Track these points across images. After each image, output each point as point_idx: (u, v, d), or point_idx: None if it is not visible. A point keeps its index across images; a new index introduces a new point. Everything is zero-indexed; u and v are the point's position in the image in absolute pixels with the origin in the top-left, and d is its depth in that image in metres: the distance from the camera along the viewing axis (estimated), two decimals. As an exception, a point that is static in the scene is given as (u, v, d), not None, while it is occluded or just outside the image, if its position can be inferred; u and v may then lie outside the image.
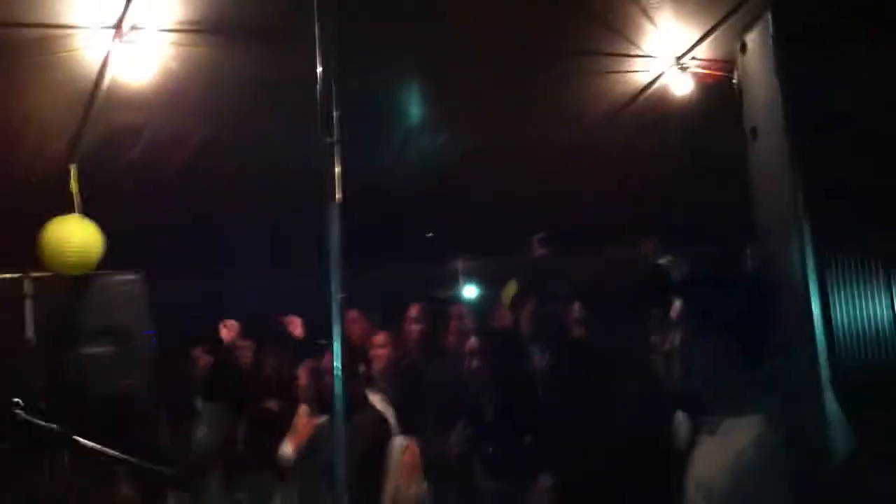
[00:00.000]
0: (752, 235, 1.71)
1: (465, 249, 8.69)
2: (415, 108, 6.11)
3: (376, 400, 5.65)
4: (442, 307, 6.34)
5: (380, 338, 6.17)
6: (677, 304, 2.95)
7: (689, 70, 5.87)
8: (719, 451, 2.46)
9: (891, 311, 1.41)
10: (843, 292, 1.43)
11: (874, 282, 1.42)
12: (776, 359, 1.65)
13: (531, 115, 6.23)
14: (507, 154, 6.72)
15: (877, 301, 1.41)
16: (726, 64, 5.23)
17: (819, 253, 1.44)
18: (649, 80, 6.04)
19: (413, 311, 6.03)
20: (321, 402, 5.35)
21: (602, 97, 6.25)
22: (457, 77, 5.66)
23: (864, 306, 1.42)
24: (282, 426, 5.66)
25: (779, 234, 1.51)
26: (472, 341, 5.12)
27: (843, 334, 1.44)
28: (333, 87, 3.34)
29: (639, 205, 7.23)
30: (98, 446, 3.48)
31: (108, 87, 5.27)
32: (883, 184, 1.43)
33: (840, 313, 1.43)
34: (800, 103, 1.49)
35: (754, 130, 1.61)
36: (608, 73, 5.94)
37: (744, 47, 1.69)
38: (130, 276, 6.27)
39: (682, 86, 5.94)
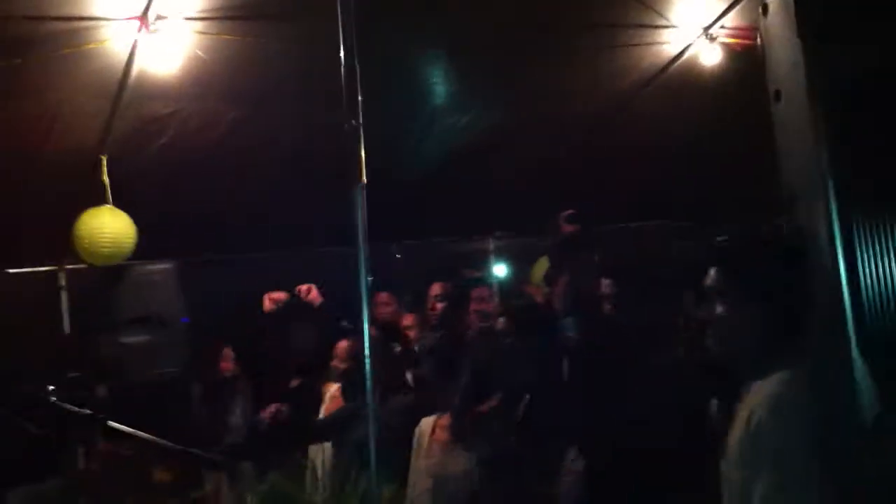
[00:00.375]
0: (782, 205, 1.68)
1: (495, 227, 8.70)
2: (439, 86, 6.09)
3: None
4: (469, 286, 6.35)
5: (409, 319, 6.20)
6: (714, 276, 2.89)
7: (717, 40, 5.80)
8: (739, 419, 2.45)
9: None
10: (870, 255, 1.41)
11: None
12: (807, 325, 1.63)
13: (558, 90, 6.19)
14: (535, 130, 6.69)
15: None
16: (754, 31, 5.16)
17: (844, 216, 1.42)
18: (677, 51, 5.97)
19: (435, 289, 6.07)
20: (354, 383, 5.38)
21: (630, 70, 6.20)
22: (482, 53, 5.63)
23: (892, 269, 1.40)
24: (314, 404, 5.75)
25: (804, 198, 1.48)
26: (502, 320, 5.12)
27: (871, 298, 1.41)
28: (357, 70, 3.33)
29: (667, 179, 7.16)
30: (132, 430, 3.51)
31: (136, 78, 5.31)
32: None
33: (867, 276, 1.41)
34: (822, 62, 1.46)
35: (778, 93, 1.58)
36: (636, 45, 5.89)
37: (765, 9, 1.66)
38: (164, 265, 6.33)
39: (710, 56, 5.88)
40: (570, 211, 5.89)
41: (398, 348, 5.66)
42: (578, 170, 7.11)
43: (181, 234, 6.63)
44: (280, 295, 6.23)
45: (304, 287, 6.69)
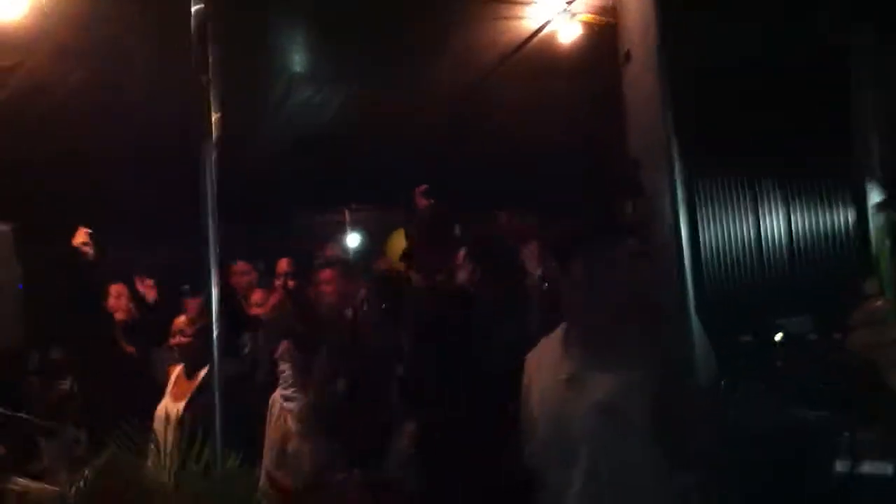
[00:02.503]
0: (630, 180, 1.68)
1: (351, 200, 8.65)
2: (298, 54, 5.98)
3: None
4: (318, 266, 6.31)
5: (257, 295, 6.11)
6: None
7: (576, 17, 5.87)
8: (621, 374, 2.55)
9: (756, 234, 1.40)
10: (711, 217, 1.42)
11: (741, 206, 1.42)
12: (649, 288, 1.65)
13: (419, 62, 6.17)
14: (394, 101, 6.64)
15: (743, 225, 1.40)
16: (612, 9, 5.27)
17: (687, 176, 1.43)
18: (537, 26, 6.02)
19: (283, 265, 6.00)
20: (196, 357, 5.27)
21: (490, 45, 6.21)
22: (343, 22, 5.54)
23: (731, 230, 1.42)
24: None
25: (649, 158, 1.49)
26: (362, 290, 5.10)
27: (711, 260, 1.43)
28: (209, 26, 3.20)
29: (524, 154, 7.25)
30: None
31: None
32: (752, 104, 1.43)
33: (708, 238, 1.42)
34: (672, 24, 1.47)
35: (628, 54, 1.58)
36: (496, 19, 5.90)
37: (619, -28, 1.66)
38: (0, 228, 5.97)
39: (569, 33, 5.95)
40: (424, 186, 5.92)
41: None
42: (435, 143, 7.12)
43: (19, 198, 6.29)
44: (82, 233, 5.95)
45: (144, 282, 6.53)
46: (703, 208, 1.32)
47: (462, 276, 4.35)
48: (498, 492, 3.33)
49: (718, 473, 1.51)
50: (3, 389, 5.46)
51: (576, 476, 2.60)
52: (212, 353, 3.11)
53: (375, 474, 3.91)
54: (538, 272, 4.35)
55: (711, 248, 1.31)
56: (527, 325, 4.37)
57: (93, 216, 6.35)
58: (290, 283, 5.97)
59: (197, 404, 4.95)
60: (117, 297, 6.55)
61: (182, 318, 5.78)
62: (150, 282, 6.84)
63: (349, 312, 5.47)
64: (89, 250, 5.86)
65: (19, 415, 3.61)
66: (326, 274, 6.05)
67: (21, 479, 3.70)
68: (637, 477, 2.39)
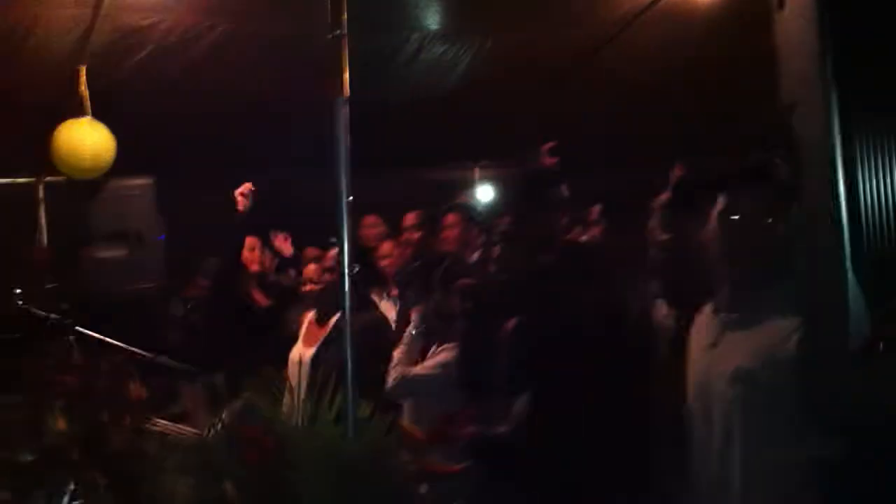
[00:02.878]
0: (780, 131, 1.61)
1: (480, 157, 8.64)
2: (428, 10, 5.96)
3: (385, 306, 5.70)
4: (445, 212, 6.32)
5: (386, 246, 6.17)
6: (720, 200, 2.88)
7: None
8: (756, 342, 2.49)
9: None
10: (870, 170, 1.35)
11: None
12: (799, 242, 1.58)
13: (547, 19, 6.06)
14: (523, 59, 6.57)
15: (906, 180, 1.32)
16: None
17: (846, 128, 1.35)
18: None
19: (409, 219, 6.04)
20: (326, 303, 5.40)
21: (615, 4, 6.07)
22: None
23: (892, 186, 1.34)
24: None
25: (804, 107, 1.42)
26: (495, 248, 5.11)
27: (870, 216, 1.36)
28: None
29: (665, 112, 7.08)
30: (102, 337, 3.46)
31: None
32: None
33: (867, 193, 1.35)
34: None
35: (781, 2, 1.51)
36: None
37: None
38: (142, 181, 6.22)
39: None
40: (551, 143, 5.84)
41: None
42: (565, 101, 7.02)
43: (161, 151, 6.53)
44: (247, 186, 6.11)
45: (279, 236, 6.69)
46: (862, 162, 1.25)
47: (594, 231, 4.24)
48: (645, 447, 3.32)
49: (865, 447, 1.44)
50: (146, 333, 5.72)
51: (715, 442, 2.58)
52: (343, 303, 3.18)
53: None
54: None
55: (870, 203, 1.24)
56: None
57: (230, 171, 6.57)
58: (415, 236, 6.04)
59: (327, 350, 5.09)
60: (251, 250, 6.76)
61: (312, 266, 5.92)
62: (284, 236, 7.04)
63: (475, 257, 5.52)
64: (246, 202, 6.06)
65: (161, 357, 3.75)
66: (450, 218, 6.12)
67: (162, 421, 3.86)
68: (776, 446, 2.34)
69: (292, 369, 5.17)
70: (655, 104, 6.99)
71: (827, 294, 1.39)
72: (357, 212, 3.44)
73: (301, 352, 5.41)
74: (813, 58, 1.38)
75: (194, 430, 3.50)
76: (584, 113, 7.14)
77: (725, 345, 2.71)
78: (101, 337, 3.38)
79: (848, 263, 1.35)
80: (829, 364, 1.45)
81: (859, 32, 1.39)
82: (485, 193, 8.77)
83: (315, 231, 6.02)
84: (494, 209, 7.67)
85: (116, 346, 3.70)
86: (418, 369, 4.68)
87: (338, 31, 3.18)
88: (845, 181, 1.34)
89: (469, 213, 6.32)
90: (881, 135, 1.33)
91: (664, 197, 3.69)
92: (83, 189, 6.20)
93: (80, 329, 3.32)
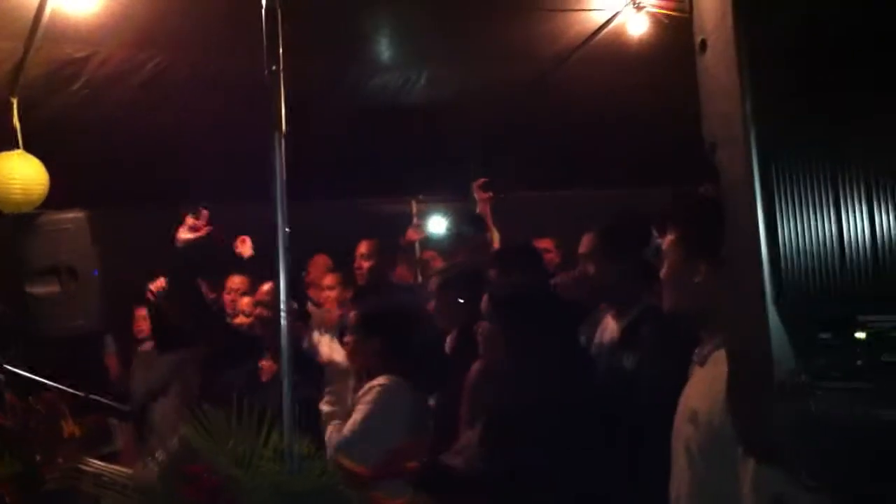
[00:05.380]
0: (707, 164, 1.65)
1: (419, 190, 8.69)
2: (366, 43, 6.00)
3: (323, 341, 5.66)
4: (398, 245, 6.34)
5: (329, 279, 6.15)
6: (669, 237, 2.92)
7: (644, 9, 5.80)
8: (712, 381, 2.52)
9: (838, 228, 1.37)
10: (789, 206, 1.39)
11: (821, 197, 1.39)
12: (726, 278, 1.62)
13: (484, 54, 6.15)
14: (460, 92, 6.65)
15: (823, 216, 1.37)
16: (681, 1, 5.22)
17: (765, 166, 1.40)
18: (605, 19, 5.96)
19: (363, 247, 6.02)
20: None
21: (558, 37, 6.17)
22: (409, 11, 5.55)
23: (810, 221, 1.39)
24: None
25: (726, 147, 1.46)
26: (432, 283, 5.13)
27: (789, 250, 1.40)
28: (279, 13, 3.23)
29: (594, 146, 7.22)
30: (34, 377, 3.39)
31: (50, 19, 5.08)
32: (835, 94, 1.39)
33: (785, 227, 1.39)
34: (750, 11, 1.44)
35: (703, 43, 1.56)
36: (563, 10, 5.85)
37: (694, -42, 1.63)
38: (75, 215, 6.13)
39: (638, 25, 5.88)
40: (482, 179, 5.91)
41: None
42: (505, 135, 7.11)
43: (95, 183, 6.44)
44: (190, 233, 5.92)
45: (239, 238, 6.58)
46: (782, 200, 1.29)
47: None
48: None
49: (803, 473, 1.47)
50: (80, 372, 5.61)
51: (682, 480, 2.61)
52: (279, 341, 3.16)
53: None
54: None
55: (790, 240, 1.27)
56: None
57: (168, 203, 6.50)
58: (366, 265, 5.99)
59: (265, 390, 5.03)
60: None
61: (247, 300, 5.87)
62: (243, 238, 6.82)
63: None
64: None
65: (94, 397, 3.69)
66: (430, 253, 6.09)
67: (95, 461, 3.78)
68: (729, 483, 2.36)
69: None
70: (594, 138, 7.12)
71: (751, 330, 1.43)
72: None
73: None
74: (733, 99, 1.43)
75: (129, 470, 3.43)
76: (522, 147, 7.22)
77: (692, 381, 2.75)
78: (32, 376, 3.31)
79: (769, 299, 1.39)
80: (755, 398, 1.48)
81: (778, 74, 1.44)
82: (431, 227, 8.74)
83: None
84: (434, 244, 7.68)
85: (48, 384, 3.62)
86: (350, 426, 4.40)
87: (273, 67, 3.18)
88: (765, 219, 1.38)
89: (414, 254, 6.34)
90: (799, 174, 1.38)
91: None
92: (14, 223, 6.09)
93: (10, 367, 3.25)
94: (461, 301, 4.55)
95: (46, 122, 5.99)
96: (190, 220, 5.83)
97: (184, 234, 5.84)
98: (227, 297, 6.43)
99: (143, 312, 6.98)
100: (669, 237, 2.83)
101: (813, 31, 1.41)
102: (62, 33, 5.30)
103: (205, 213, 5.85)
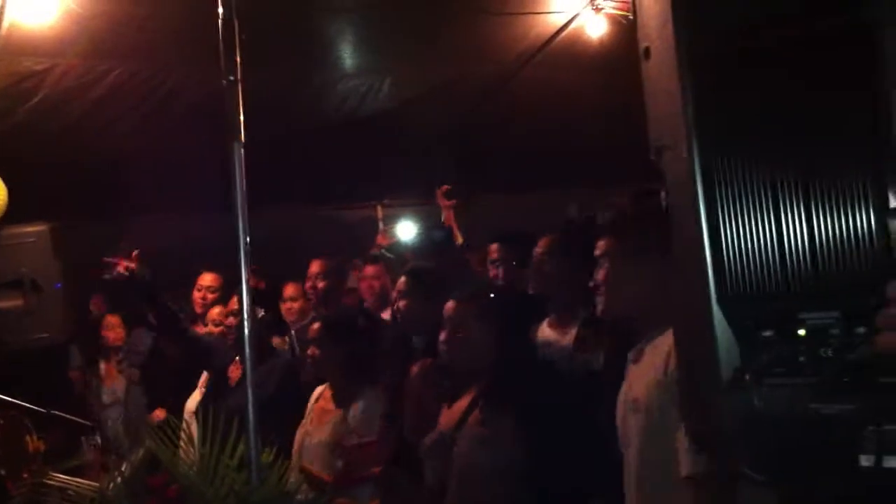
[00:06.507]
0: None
1: (384, 195, 8.70)
2: (325, 49, 6.00)
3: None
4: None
5: (290, 289, 6.11)
6: (602, 243, 3.00)
7: (603, 11, 5.87)
8: (647, 370, 2.70)
9: (776, 226, 1.41)
10: (731, 208, 1.43)
11: (761, 198, 1.43)
12: (674, 279, 1.65)
13: (444, 56, 6.18)
14: (422, 96, 6.67)
15: (763, 217, 1.41)
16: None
17: (707, 169, 1.44)
18: (564, 21, 6.02)
19: (315, 267, 5.87)
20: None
21: (517, 39, 6.21)
22: (370, 17, 5.57)
23: (750, 222, 1.43)
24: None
25: (670, 152, 1.50)
26: (400, 283, 5.10)
27: (731, 252, 1.44)
28: (236, 24, 3.24)
29: (556, 148, 7.27)
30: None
31: (7, 33, 5.06)
32: (777, 99, 1.43)
33: (728, 229, 1.43)
34: (690, 18, 1.48)
35: (647, 51, 1.59)
36: (523, 13, 5.90)
37: (636, -33, 1.67)
38: (37, 228, 6.06)
39: (596, 27, 5.95)
40: (446, 186, 5.90)
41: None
42: (466, 138, 7.15)
43: (57, 196, 6.40)
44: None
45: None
46: (723, 202, 1.32)
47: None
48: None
49: (743, 466, 1.51)
50: (45, 386, 5.57)
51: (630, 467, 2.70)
52: (243, 350, 3.17)
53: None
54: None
55: (732, 241, 1.31)
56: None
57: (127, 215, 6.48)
58: (320, 286, 5.87)
59: (220, 398, 5.01)
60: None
61: (217, 310, 5.85)
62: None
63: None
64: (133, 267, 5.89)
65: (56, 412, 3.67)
66: (370, 269, 6.01)
67: (61, 475, 3.77)
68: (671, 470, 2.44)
69: (189, 419, 5.07)
70: (556, 140, 7.17)
71: (696, 329, 1.46)
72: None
73: (198, 401, 5.37)
74: (676, 104, 1.46)
75: (94, 484, 3.42)
76: (485, 149, 7.27)
77: (630, 377, 2.84)
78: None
79: (713, 299, 1.43)
80: (701, 395, 1.52)
81: (718, 78, 1.48)
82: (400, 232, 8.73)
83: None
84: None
85: (9, 401, 3.59)
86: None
87: (231, 77, 3.19)
88: (707, 221, 1.41)
89: (390, 264, 6.29)
90: (739, 176, 1.42)
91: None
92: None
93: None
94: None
95: (7, 134, 5.93)
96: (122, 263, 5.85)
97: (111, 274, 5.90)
98: (197, 295, 6.40)
99: (115, 320, 6.96)
100: (605, 240, 2.92)
101: (751, 36, 1.45)
102: (20, 46, 5.26)
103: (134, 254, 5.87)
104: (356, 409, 4.47)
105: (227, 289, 6.12)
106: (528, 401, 3.52)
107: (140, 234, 6.20)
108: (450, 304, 3.82)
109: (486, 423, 3.59)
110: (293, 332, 5.89)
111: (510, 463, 3.47)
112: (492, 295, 4.04)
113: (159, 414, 5.81)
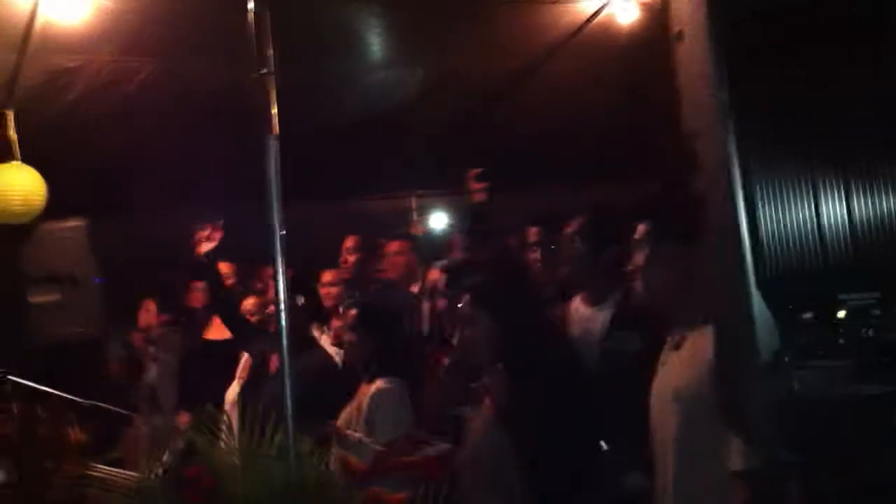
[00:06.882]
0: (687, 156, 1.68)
1: (416, 185, 8.70)
2: (356, 41, 6.01)
3: (324, 339, 5.68)
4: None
5: (328, 275, 6.16)
6: (641, 227, 3.03)
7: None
8: (691, 360, 2.59)
9: (815, 209, 1.40)
10: (768, 193, 1.42)
11: (799, 184, 1.42)
12: (708, 265, 1.65)
13: (474, 48, 6.16)
14: (452, 87, 6.66)
15: (801, 200, 1.40)
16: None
17: (744, 154, 1.43)
18: (593, 10, 5.97)
19: (349, 242, 6.03)
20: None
21: (546, 29, 6.17)
22: (397, 8, 5.57)
23: (789, 208, 1.42)
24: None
25: (704, 137, 1.49)
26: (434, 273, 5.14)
27: (769, 237, 1.43)
28: (268, 17, 3.26)
29: (585, 139, 7.22)
30: (39, 386, 3.42)
31: (42, 29, 5.11)
32: (811, 84, 1.42)
33: (765, 215, 1.42)
34: (724, 2, 1.47)
35: (680, 34, 1.58)
36: (553, 3, 5.86)
37: (669, -49, 1.66)
38: (75, 223, 6.14)
39: (626, 16, 5.89)
40: (477, 170, 5.89)
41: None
42: (494, 129, 7.13)
43: (93, 191, 6.47)
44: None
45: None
46: (761, 186, 1.32)
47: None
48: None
49: (783, 451, 1.51)
50: (85, 378, 5.64)
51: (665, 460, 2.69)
52: (280, 339, 3.20)
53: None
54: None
55: (770, 225, 1.30)
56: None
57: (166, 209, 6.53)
58: (352, 259, 6.00)
59: (260, 387, 5.07)
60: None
61: (251, 300, 5.90)
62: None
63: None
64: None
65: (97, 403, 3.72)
66: (395, 245, 6.07)
67: (102, 466, 3.82)
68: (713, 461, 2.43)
69: (230, 409, 5.13)
70: (581, 130, 7.12)
71: (735, 311, 1.46)
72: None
73: (238, 390, 5.41)
74: (711, 87, 1.46)
75: (135, 474, 3.47)
76: (513, 139, 7.24)
77: (671, 364, 2.84)
78: (36, 385, 3.34)
79: (752, 281, 1.42)
80: (740, 376, 1.52)
81: (754, 61, 1.47)
82: (429, 222, 8.78)
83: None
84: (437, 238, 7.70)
85: (52, 393, 3.64)
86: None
87: (264, 70, 3.22)
88: (745, 205, 1.41)
89: (415, 243, 6.33)
90: (777, 160, 1.41)
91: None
92: (14, 233, 6.12)
93: (14, 378, 3.27)
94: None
95: (43, 131, 6.00)
96: (203, 234, 6.11)
97: (204, 247, 6.16)
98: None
99: (151, 306, 7.05)
100: (641, 228, 2.94)
101: (786, 22, 1.45)
102: (54, 43, 5.32)
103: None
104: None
105: (242, 276, 6.30)
106: (543, 380, 3.53)
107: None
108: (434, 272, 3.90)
109: (499, 405, 3.62)
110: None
111: (524, 444, 3.49)
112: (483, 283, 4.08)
113: (183, 419, 5.91)
